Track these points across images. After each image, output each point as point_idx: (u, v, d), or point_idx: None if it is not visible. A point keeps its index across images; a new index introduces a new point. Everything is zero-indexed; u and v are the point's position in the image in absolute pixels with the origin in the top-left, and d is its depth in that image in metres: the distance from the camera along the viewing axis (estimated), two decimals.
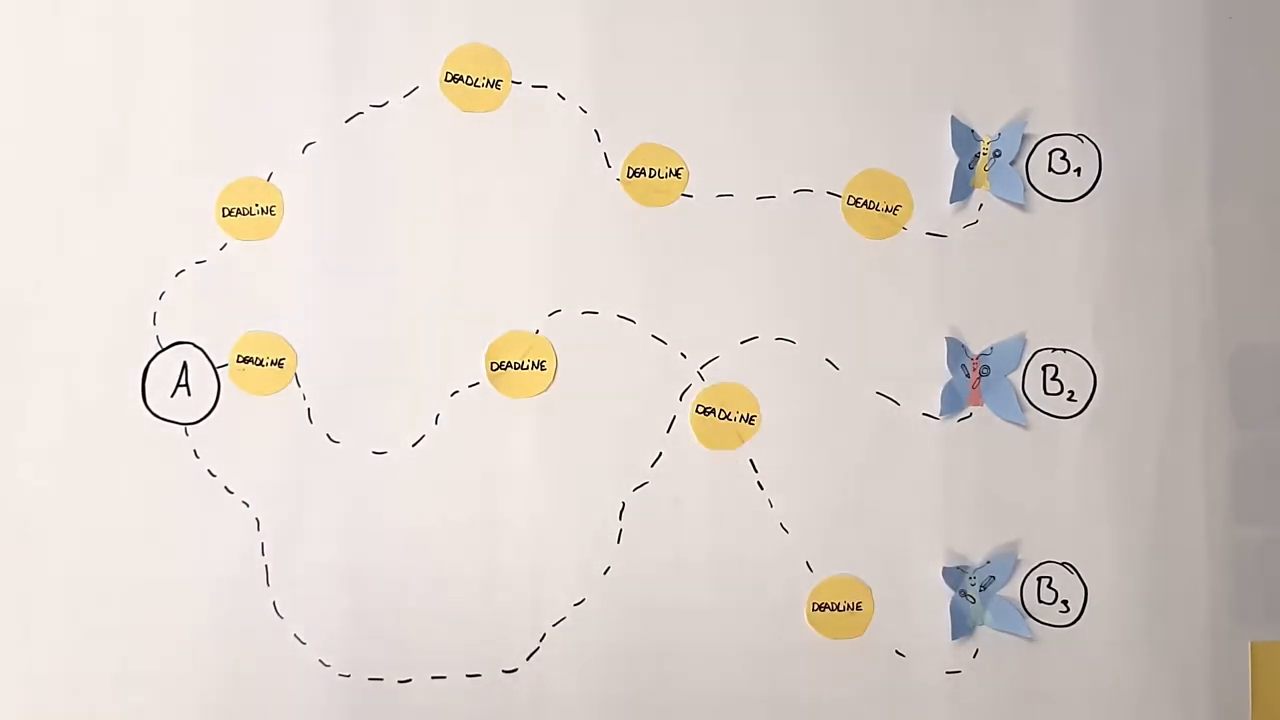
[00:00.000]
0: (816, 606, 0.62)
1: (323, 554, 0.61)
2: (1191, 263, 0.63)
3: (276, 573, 0.61)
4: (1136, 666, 0.62)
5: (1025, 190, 0.63)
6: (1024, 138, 0.63)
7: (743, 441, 0.62)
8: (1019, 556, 0.62)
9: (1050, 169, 0.63)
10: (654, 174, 0.63)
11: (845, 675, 0.62)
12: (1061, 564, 0.62)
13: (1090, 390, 0.63)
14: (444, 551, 0.61)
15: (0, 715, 0.61)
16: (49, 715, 0.61)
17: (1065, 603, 0.62)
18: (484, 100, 0.63)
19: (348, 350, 0.62)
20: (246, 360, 0.62)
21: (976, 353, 0.63)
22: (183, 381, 0.62)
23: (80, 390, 0.62)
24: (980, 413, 0.63)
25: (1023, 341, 0.63)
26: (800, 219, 0.63)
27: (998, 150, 0.63)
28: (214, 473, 0.62)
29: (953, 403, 0.63)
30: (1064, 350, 0.63)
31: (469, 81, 0.63)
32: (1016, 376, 0.63)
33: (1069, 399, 0.63)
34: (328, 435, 0.62)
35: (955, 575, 0.62)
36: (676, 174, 0.63)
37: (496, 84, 0.63)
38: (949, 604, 0.62)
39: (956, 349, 0.63)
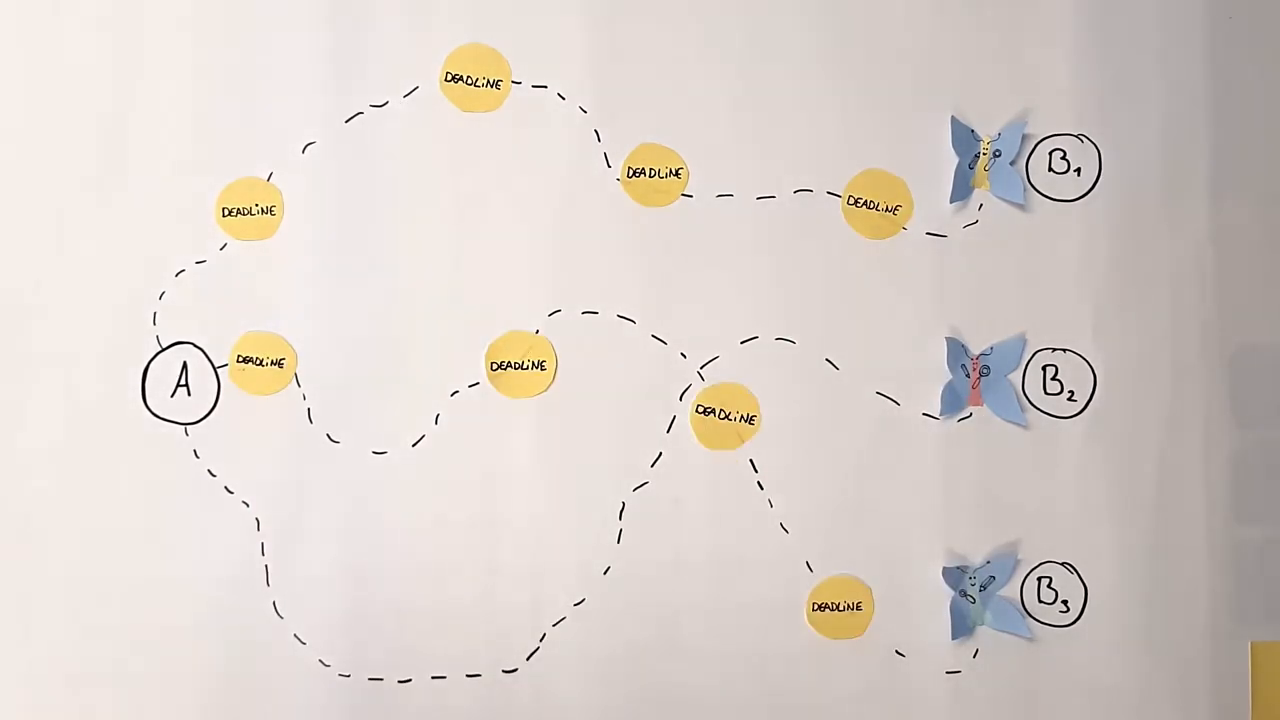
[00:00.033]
0: (816, 606, 0.62)
1: (323, 554, 0.61)
2: (1191, 263, 0.63)
3: (276, 573, 0.61)
4: (1136, 666, 0.62)
5: (1025, 190, 0.63)
6: (1024, 138, 0.63)
7: (743, 441, 0.62)
8: (1019, 556, 0.62)
9: (1050, 169, 0.63)
10: (654, 174, 0.63)
11: (845, 675, 0.62)
12: (1061, 564, 0.63)
13: (1090, 390, 0.63)
14: (444, 551, 0.61)
15: (0, 715, 0.61)
16: (49, 715, 0.61)
17: (1065, 603, 0.62)
18: (484, 100, 0.63)
19: (348, 350, 0.62)
20: (246, 360, 0.62)
21: (976, 353, 0.63)
22: (183, 381, 0.62)
23: (80, 390, 0.62)
24: (980, 413, 0.63)
25: (1023, 341, 0.63)
26: (800, 219, 0.63)
27: (998, 150, 0.63)
28: (214, 473, 0.62)
29: (953, 403, 0.63)
30: (1064, 350, 0.63)
31: (469, 81, 0.63)
32: (1016, 376, 0.63)
33: (1069, 399, 0.63)
34: (328, 435, 0.62)
35: (955, 575, 0.62)
36: (676, 174, 0.63)
37: (496, 84, 0.63)
38: (949, 604, 0.62)
39: (956, 349, 0.63)
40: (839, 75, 0.63)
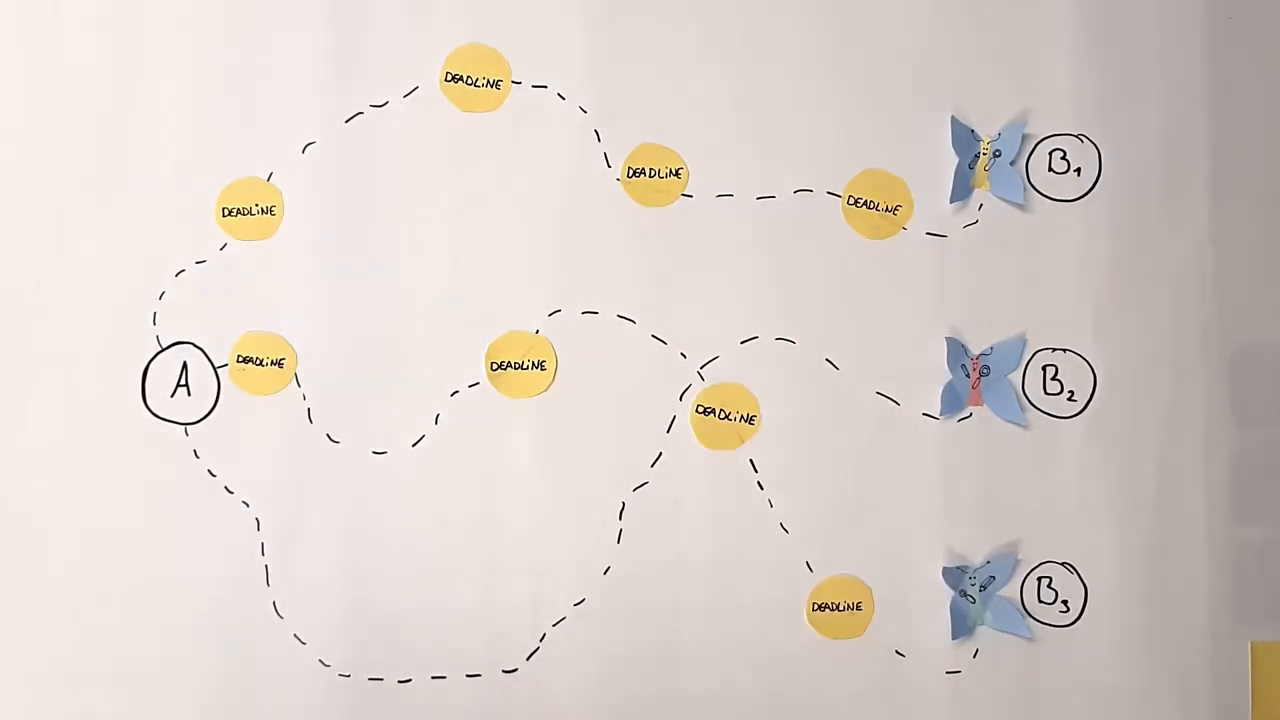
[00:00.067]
0: (816, 606, 0.62)
1: (323, 554, 0.61)
2: (1191, 263, 0.63)
3: (276, 573, 0.61)
4: (1136, 666, 0.62)
5: (1025, 190, 0.63)
6: (1024, 138, 0.63)
7: (743, 441, 0.62)
8: (1019, 556, 0.62)
9: (1050, 169, 0.63)
10: (654, 174, 0.63)
11: (845, 675, 0.62)
12: (1061, 564, 0.62)
13: (1090, 390, 0.63)
14: (444, 551, 0.61)
15: (0, 715, 0.61)
16: (49, 715, 0.61)
17: (1065, 603, 0.62)
18: (484, 100, 0.63)
19: (348, 350, 0.62)
20: (246, 360, 0.62)
21: (976, 353, 0.63)
22: (183, 381, 0.62)
23: (80, 390, 0.62)
24: (980, 413, 0.63)
25: (1023, 341, 0.63)
26: (800, 219, 0.63)
27: (998, 150, 0.63)
28: (214, 473, 0.62)
29: (953, 403, 0.63)
30: (1064, 350, 0.63)
31: (469, 81, 0.63)
32: (1016, 376, 0.63)
33: (1069, 399, 0.63)
34: (328, 435, 0.62)
35: (955, 575, 0.62)
36: (676, 174, 0.63)
37: (496, 84, 0.63)
38: (949, 604, 0.62)
39: (956, 349, 0.63)
40: (839, 75, 0.63)
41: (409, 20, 0.63)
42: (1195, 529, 0.62)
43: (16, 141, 0.62)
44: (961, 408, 0.63)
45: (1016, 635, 0.62)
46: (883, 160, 0.63)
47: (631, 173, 0.63)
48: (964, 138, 0.63)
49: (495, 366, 0.62)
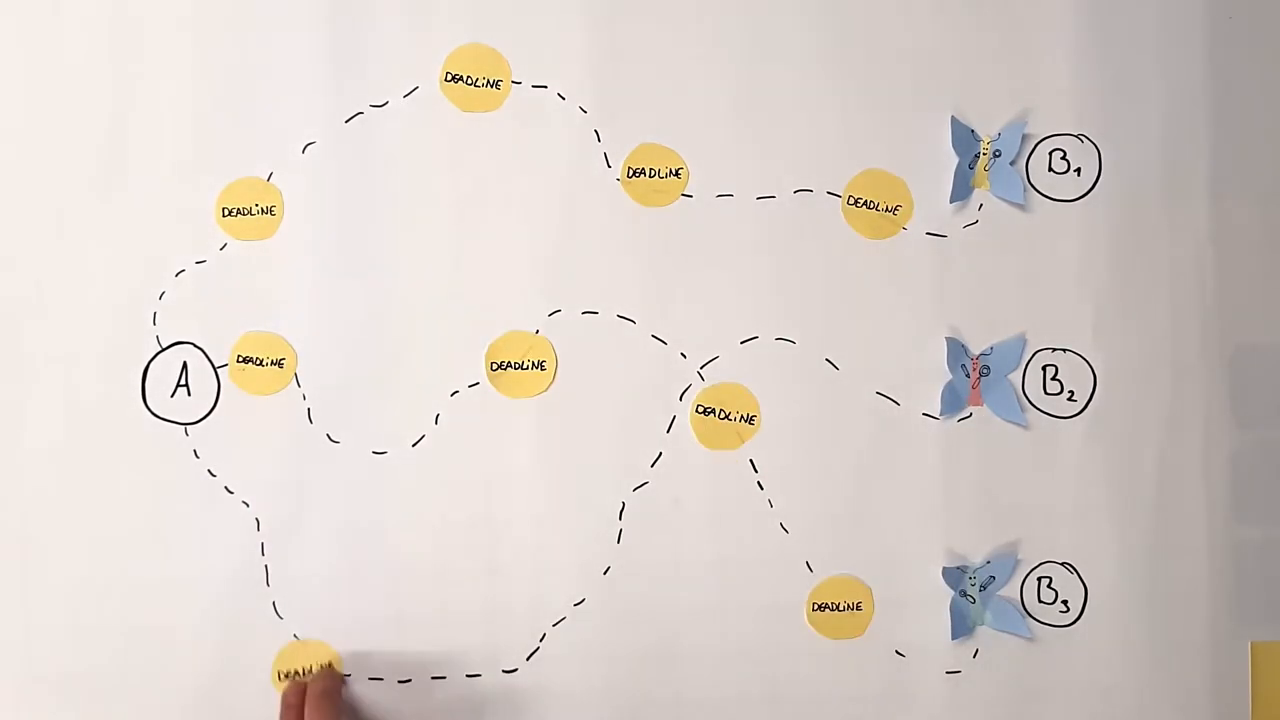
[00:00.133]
0: (816, 606, 0.62)
1: (323, 554, 0.61)
2: (1191, 263, 0.63)
3: (276, 573, 0.61)
4: (1136, 666, 0.62)
5: (1025, 190, 0.63)
6: (1024, 138, 0.63)
7: (743, 441, 0.62)
8: (1019, 556, 0.63)
9: (1050, 169, 0.63)
10: (654, 174, 0.63)
11: (845, 675, 0.62)
12: (1061, 564, 0.63)
13: (1090, 390, 0.63)
14: (444, 552, 0.61)
15: (0, 715, 0.61)
16: (49, 715, 0.61)
17: (1065, 603, 0.62)
18: (484, 100, 0.63)
19: (348, 350, 0.62)
20: (246, 360, 0.62)
21: (976, 353, 0.63)
22: (183, 381, 0.62)
23: (80, 390, 0.62)
24: (980, 413, 0.63)
25: (1023, 341, 0.63)
26: (800, 219, 0.63)
27: (998, 150, 0.63)
28: (214, 473, 0.62)
29: (953, 403, 0.63)
30: (1064, 350, 0.63)
31: (469, 81, 0.63)
32: (1016, 376, 0.63)
33: (1069, 399, 0.63)
34: (328, 435, 0.62)
35: (955, 575, 0.62)
36: (676, 174, 0.63)
37: (496, 84, 0.63)
38: (949, 604, 0.62)
39: (956, 349, 0.63)
40: (839, 75, 0.63)
41: (409, 20, 0.63)
42: (1195, 529, 0.63)
43: (17, 141, 0.62)
44: (961, 408, 0.63)
45: (1016, 635, 0.62)
46: (883, 160, 0.63)
47: (631, 173, 0.63)
48: (964, 138, 0.63)
49: (495, 366, 0.62)
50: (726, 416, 0.62)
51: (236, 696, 0.61)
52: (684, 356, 0.63)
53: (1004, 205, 0.63)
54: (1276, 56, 0.64)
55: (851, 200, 0.63)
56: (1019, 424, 0.63)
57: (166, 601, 0.61)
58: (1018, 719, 0.62)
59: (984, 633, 0.62)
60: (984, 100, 0.63)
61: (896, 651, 0.62)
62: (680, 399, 0.62)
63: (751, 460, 0.62)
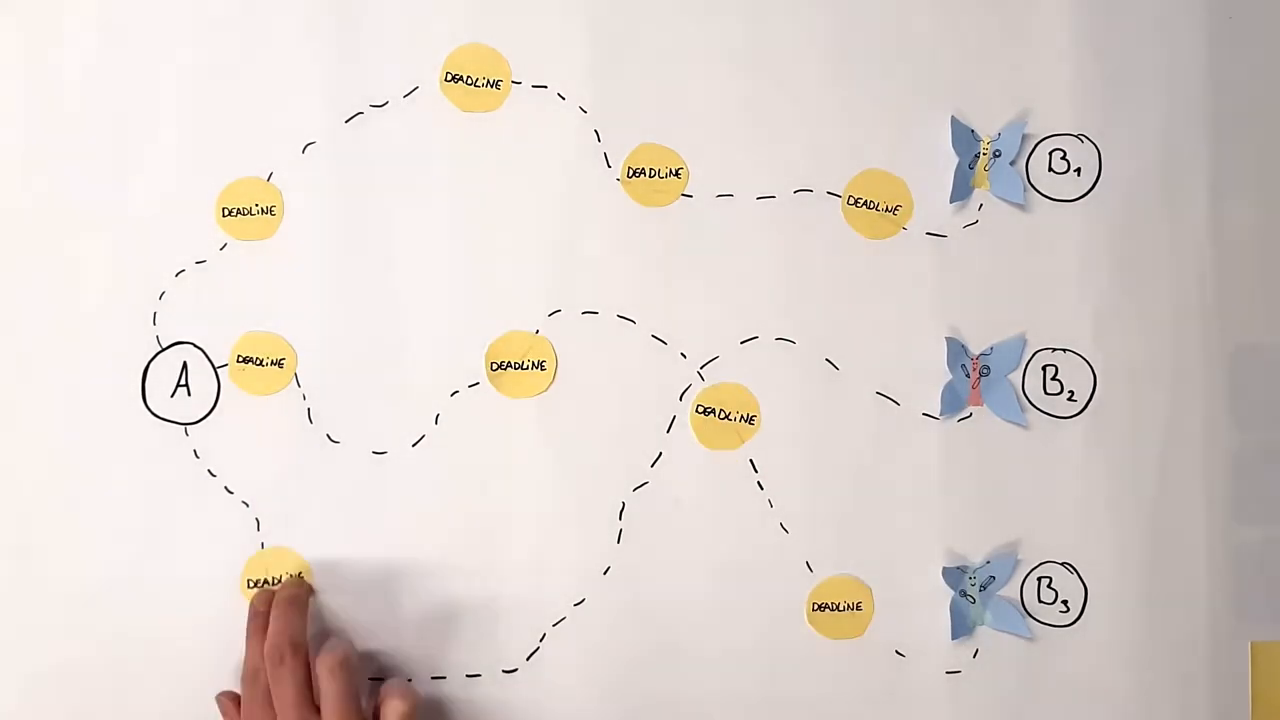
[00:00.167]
0: (816, 606, 0.62)
1: (323, 554, 0.61)
2: (1191, 263, 0.63)
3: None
4: (1136, 666, 0.62)
5: (1025, 190, 0.63)
6: (1024, 138, 0.63)
7: (743, 441, 0.62)
8: (1019, 556, 0.63)
9: (1050, 169, 0.63)
10: (654, 174, 0.63)
11: (845, 675, 0.62)
12: (1061, 564, 0.63)
13: (1090, 390, 0.63)
14: (444, 551, 0.61)
15: (0, 715, 0.61)
16: (49, 715, 0.61)
17: (1065, 603, 0.62)
18: (484, 100, 0.63)
19: (348, 350, 0.62)
20: (246, 360, 0.62)
21: (976, 353, 0.63)
22: (183, 381, 0.62)
23: (80, 390, 0.61)
24: (980, 413, 0.63)
25: (1023, 341, 0.63)
26: (800, 219, 0.63)
27: (998, 150, 0.63)
28: (214, 473, 0.62)
29: (953, 403, 0.63)
30: (1064, 350, 0.63)
31: (469, 81, 0.63)
32: (1016, 376, 0.63)
33: (1069, 399, 0.63)
34: (328, 435, 0.62)
35: (955, 575, 0.62)
36: (676, 174, 0.63)
37: (496, 84, 0.63)
38: (949, 604, 0.62)
39: (956, 349, 0.63)
40: (839, 75, 0.63)
41: (409, 20, 0.63)
42: (1195, 529, 0.63)
43: (16, 141, 0.62)
44: (961, 408, 0.63)
45: (1016, 635, 0.62)
46: (883, 160, 0.63)
47: (631, 173, 0.63)
48: (964, 138, 0.63)
49: (495, 366, 0.62)
50: (726, 416, 0.62)
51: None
52: (684, 356, 0.63)
53: (1004, 205, 0.63)
54: (1276, 56, 0.64)
55: (851, 200, 0.63)
56: (1019, 424, 0.63)
57: (166, 601, 0.61)
58: (1017, 719, 0.62)
59: (984, 633, 0.62)
60: (984, 100, 0.63)
61: (896, 651, 0.62)
62: (680, 399, 0.62)
63: (751, 460, 0.62)
